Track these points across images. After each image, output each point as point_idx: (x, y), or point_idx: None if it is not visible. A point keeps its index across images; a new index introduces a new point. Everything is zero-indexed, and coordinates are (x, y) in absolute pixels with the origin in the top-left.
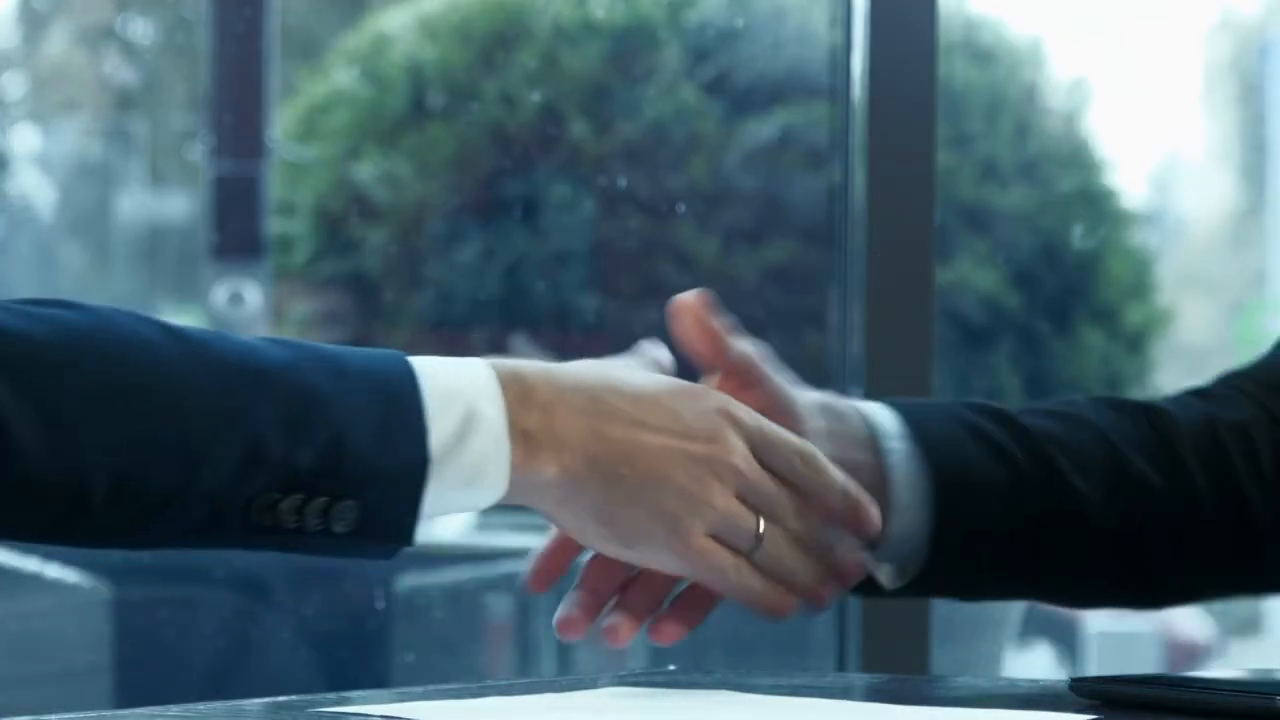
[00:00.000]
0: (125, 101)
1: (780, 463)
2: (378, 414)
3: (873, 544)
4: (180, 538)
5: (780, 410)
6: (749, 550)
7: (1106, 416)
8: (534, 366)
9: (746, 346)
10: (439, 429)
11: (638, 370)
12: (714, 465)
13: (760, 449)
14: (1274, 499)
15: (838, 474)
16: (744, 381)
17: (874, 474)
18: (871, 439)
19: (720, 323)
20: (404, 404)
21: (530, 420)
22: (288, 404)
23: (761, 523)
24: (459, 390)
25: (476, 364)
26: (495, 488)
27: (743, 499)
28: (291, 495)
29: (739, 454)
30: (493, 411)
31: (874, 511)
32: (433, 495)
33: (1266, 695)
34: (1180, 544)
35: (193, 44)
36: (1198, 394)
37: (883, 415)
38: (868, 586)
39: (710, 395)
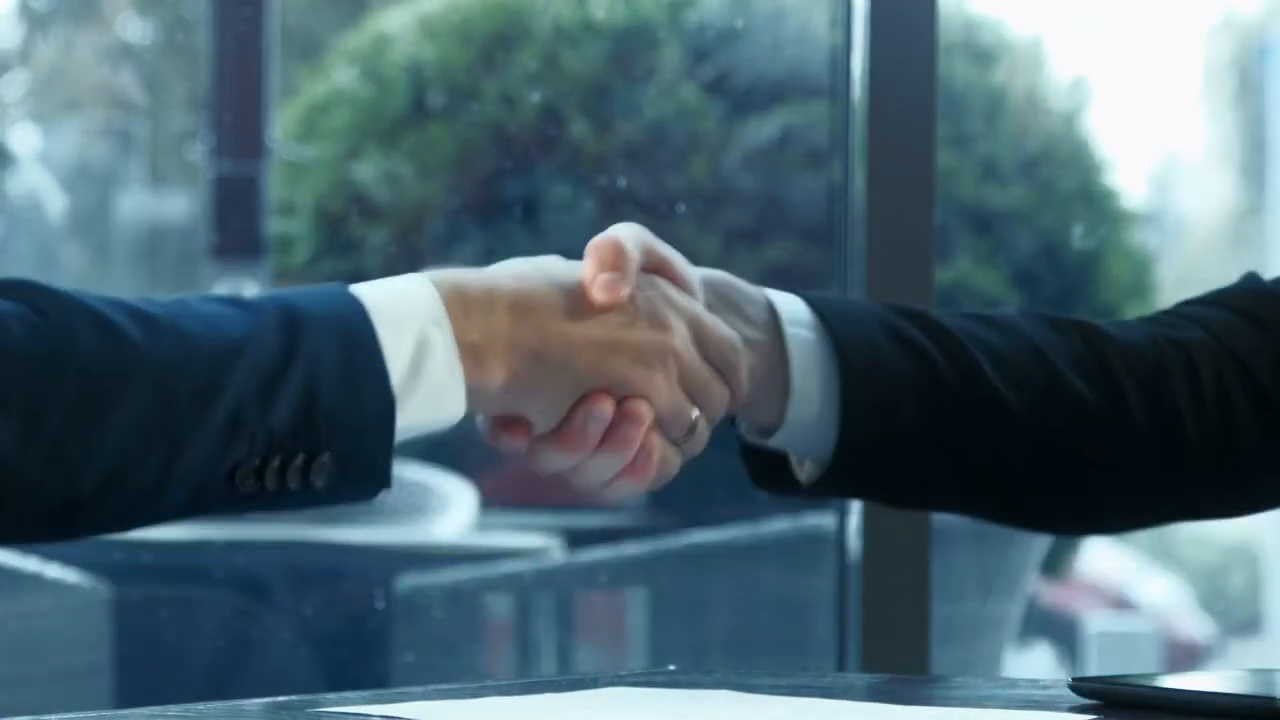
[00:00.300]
0: (125, 101)
1: (713, 352)
2: (340, 362)
3: (772, 429)
4: (167, 518)
5: (674, 278)
6: (681, 439)
7: (1040, 329)
8: (471, 275)
9: (624, 234)
10: (396, 364)
11: (572, 266)
12: (659, 353)
13: (698, 337)
14: (1209, 422)
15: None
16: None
17: (770, 355)
18: (773, 322)
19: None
20: (363, 346)
21: (475, 332)
22: (259, 372)
23: (695, 412)
24: (407, 317)
25: (418, 283)
26: (454, 408)
27: (681, 386)
28: (272, 459)
29: (681, 340)
30: (441, 333)
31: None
32: (399, 429)
33: (1266, 696)
34: (1111, 464)
35: (193, 44)
36: (1146, 319)
37: (792, 303)
38: (784, 481)
39: (652, 282)
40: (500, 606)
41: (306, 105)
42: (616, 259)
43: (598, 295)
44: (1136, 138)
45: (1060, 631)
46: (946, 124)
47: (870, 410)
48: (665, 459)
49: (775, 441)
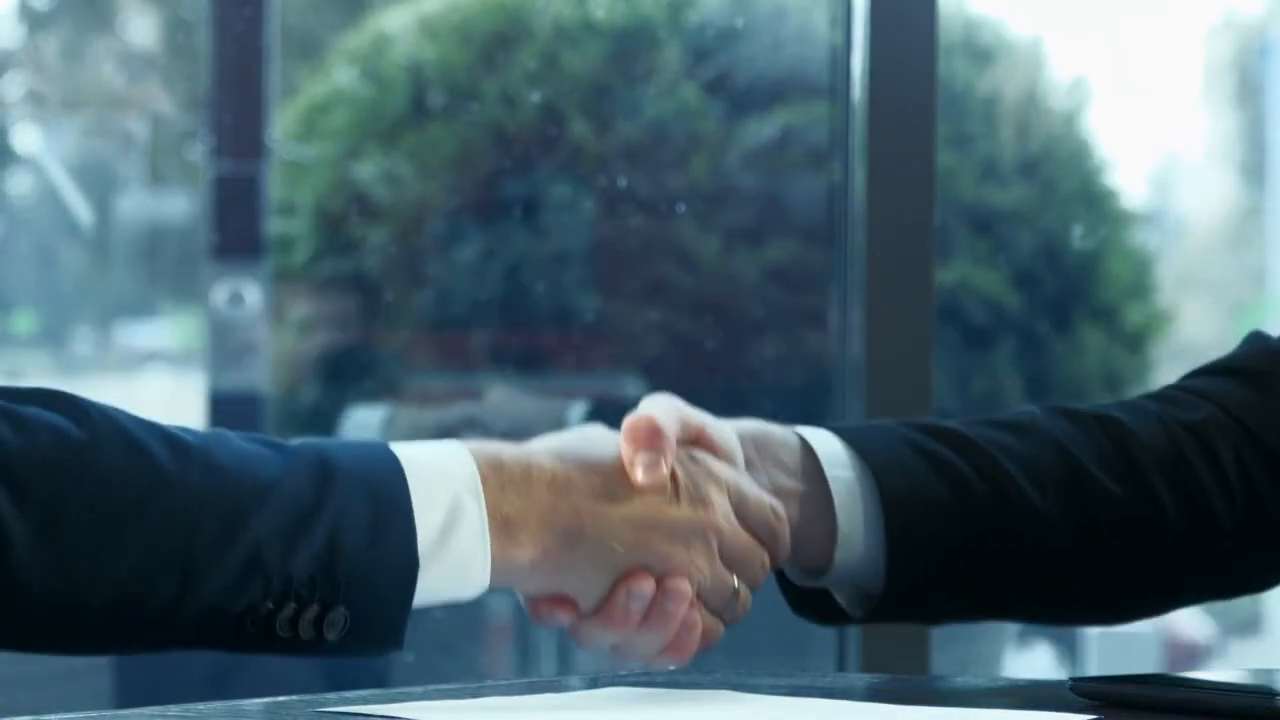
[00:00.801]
0: (125, 101)
1: (754, 519)
2: (369, 518)
3: (821, 571)
4: (172, 645)
5: (711, 448)
6: (722, 609)
7: (1062, 427)
8: (510, 450)
9: (658, 413)
10: (425, 527)
11: (611, 439)
12: (700, 530)
13: (737, 507)
14: (1236, 499)
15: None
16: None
17: (815, 503)
18: (813, 467)
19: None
20: (394, 506)
21: (509, 505)
22: (284, 515)
23: (735, 580)
24: (442, 483)
25: (456, 451)
26: (479, 580)
27: (721, 559)
28: (287, 605)
29: (722, 514)
30: (474, 504)
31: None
32: (419, 594)
33: (1266, 695)
34: (1145, 553)
35: (193, 44)
36: (1153, 397)
37: (827, 443)
38: (834, 613)
39: (691, 455)
40: (500, 606)
41: (306, 105)
42: (653, 438)
43: (638, 477)
44: (1136, 138)
45: (1060, 631)
46: (946, 124)
47: (916, 542)
48: (708, 630)
49: (824, 581)
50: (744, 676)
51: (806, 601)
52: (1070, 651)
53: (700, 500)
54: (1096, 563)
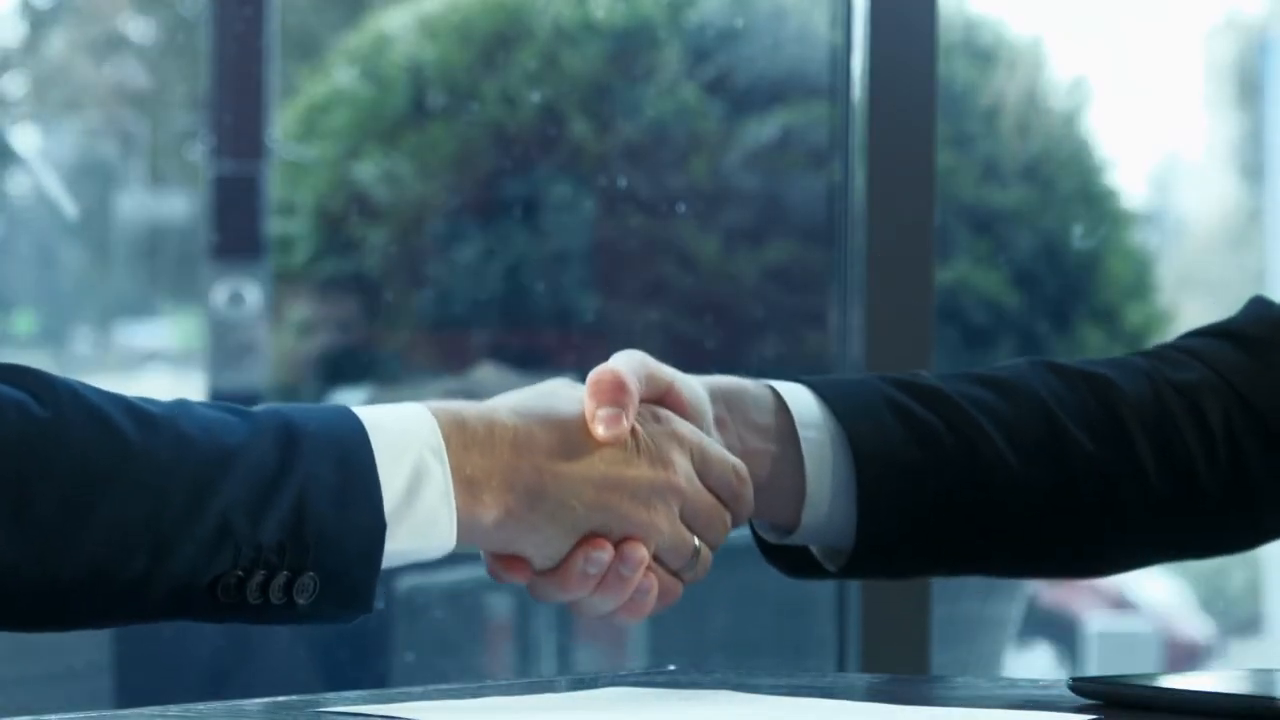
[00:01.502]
0: (125, 102)
1: (717, 481)
2: (335, 481)
3: (789, 529)
4: (146, 617)
5: (679, 406)
6: (682, 570)
7: (1046, 382)
8: (472, 409)
9: (623, 366)
10: (391, 489)
11: (575, 395)
12: (660, 490)
13: (700, 467)
14: (1220, 462)
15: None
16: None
17: (785, 463)
18: (785, 426)
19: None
20: (359, 469)
21: (472, 465)
22: (251, 482)
23: (696, 541)
24: (406, 445)
25: (419, 412)
26: (445, 540)
27: (683, 519)
28: (257, 572)
29: (683, 475)
30: (438, 463)
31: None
32: (386, 556)
33: (1266, 695)
34: (1122, 512)
35: (193, 44)
36: (1147, 354)
37: (801, 399)
38: (808, 566)
39: (655, 414)
40: (500, 606)
41: (306, 105)
42: (616, 392)
43: (599, 432)
44: (1136, 138)
45: (1060, 631)
46: (946, 124)
47: (887, 501)
48: (666, 590)
49: (792, 540)
50: (744, 676)
51: (780, 554)
52: (1070, 651)
53: (661, 460)
54: (1073, 520)
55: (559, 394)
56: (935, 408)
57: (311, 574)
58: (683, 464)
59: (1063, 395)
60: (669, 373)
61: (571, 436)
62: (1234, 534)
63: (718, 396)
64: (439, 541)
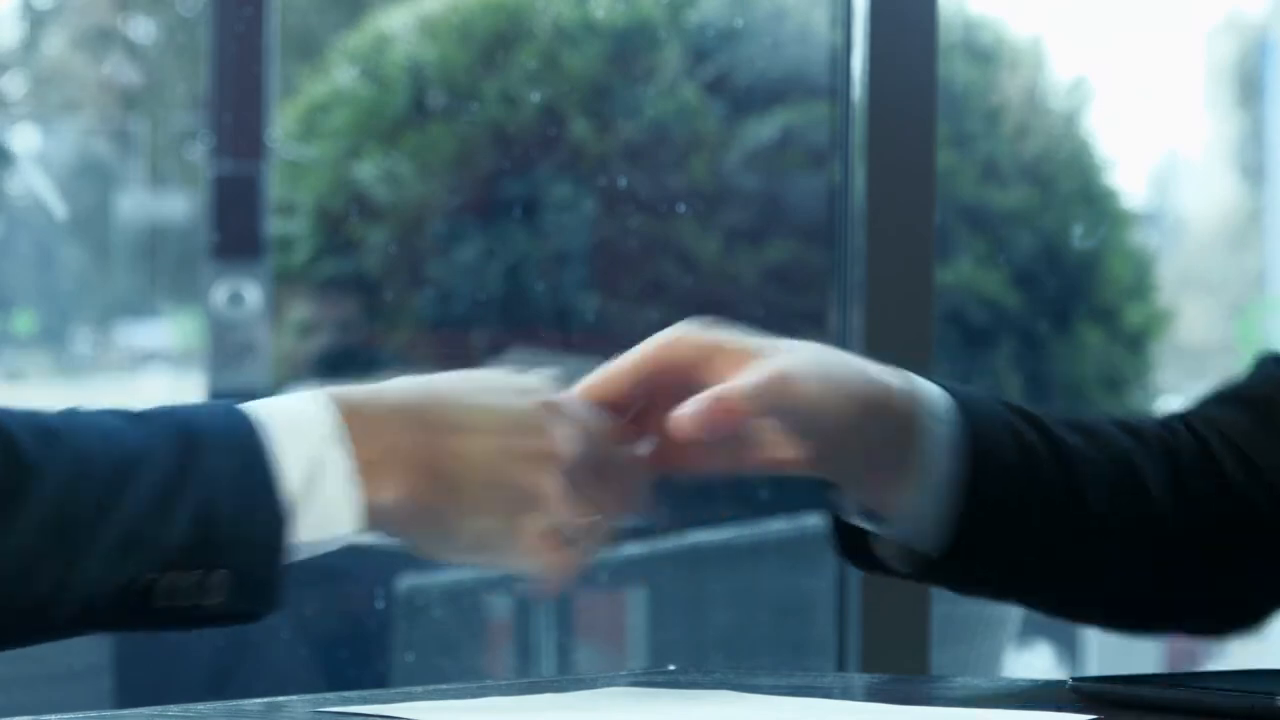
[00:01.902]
0: (125, 101)
1: (603, 449)
2: (235, 478)
3: (882, 518)
4: (55, 634)
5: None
6: (581, 538)
7: (1126, 439)
8: (363, 392)
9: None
10: (290, 481)
11: (463, 376)
12: (544, 459)
13: (594, 448)
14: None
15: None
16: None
17: (906, 450)
18: (917, 418)
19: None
20: (258, 464)
21: (368, 449)
22: (153, 487)
23: (595, 514)
24: (303, 434)
25: (316, 399)
26: (347, 526)
27: (577, 489)
28: (165, 577)
29: (567, 443)
30: (335, 450)
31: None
32: (291, 548)
33: (1266, 695)
34: (1202, 568)
35: (193, 44)
36: (1164, 428)
37: (936, 396)
38: (873, 563)
39: (535, 387)
40: (500, 606)
41: (306, 105)
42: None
43: (680, 418)
44: (1136, 138)
45: (1060, 631)
46: (946, 124)
47: (994, 516)
48: (565, 561)
49: (881, 528)
50: (744, 676)
51: (852, 548)
52: (1070, 651)
53: (542, 431)
54: (1140, 568)
55: (449, 375)
56: (1046, 440)
57: (221, 573)
58: (566, 433)
59: (1139, 449)
60: (728, 341)
61: (468, 414)
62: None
63: (856, 400)
64: (343, 528)
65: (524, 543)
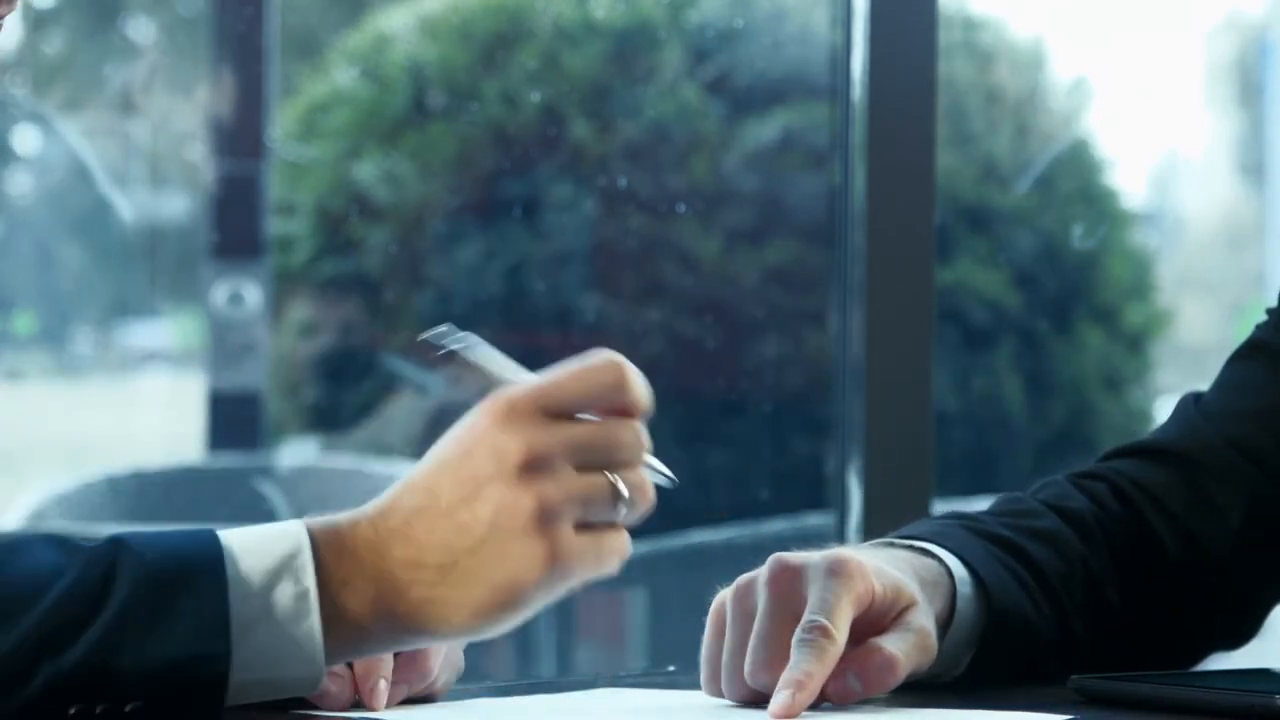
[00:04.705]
0: (125, 101)
1: (575, 402)
2: (154, 610)
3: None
4: None
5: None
6: (616, 513)
7: (1078, 543)
8: (342, 522)
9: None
10: (243, 611)
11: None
12: (509, 475)
13: (549, 409)
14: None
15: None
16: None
17: (945, 617)
18: (950, 585)
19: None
20: (197, 595)
21: (338, 583)
22: (60, 613)
23: (609, 475)
24: (268, 565)
25: (288, 530)
26: (314, 665)
27: (578, 468)
28: (69, 705)
29: (523, 443)
30: (302, 584)
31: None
32: (254, 686)
33: (1266, 694)
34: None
35: (193, 44)
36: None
37: (954, 561)
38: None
39: (476, 416)
40: None
41: (306, 105)
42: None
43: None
44: (1136, 138)
45: None
46: (946, 124)
47: (1004, 658)
48: (615, 543)
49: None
50: None
51: None
52: None
53: (494, 456)
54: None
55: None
56: (1031, 572)
57: (133, 704)
58: (519, 436)
59: (1093, 553)
60: (876, 588)
61: (426, 492)
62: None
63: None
64: (308, 667)
65: (552, 556)
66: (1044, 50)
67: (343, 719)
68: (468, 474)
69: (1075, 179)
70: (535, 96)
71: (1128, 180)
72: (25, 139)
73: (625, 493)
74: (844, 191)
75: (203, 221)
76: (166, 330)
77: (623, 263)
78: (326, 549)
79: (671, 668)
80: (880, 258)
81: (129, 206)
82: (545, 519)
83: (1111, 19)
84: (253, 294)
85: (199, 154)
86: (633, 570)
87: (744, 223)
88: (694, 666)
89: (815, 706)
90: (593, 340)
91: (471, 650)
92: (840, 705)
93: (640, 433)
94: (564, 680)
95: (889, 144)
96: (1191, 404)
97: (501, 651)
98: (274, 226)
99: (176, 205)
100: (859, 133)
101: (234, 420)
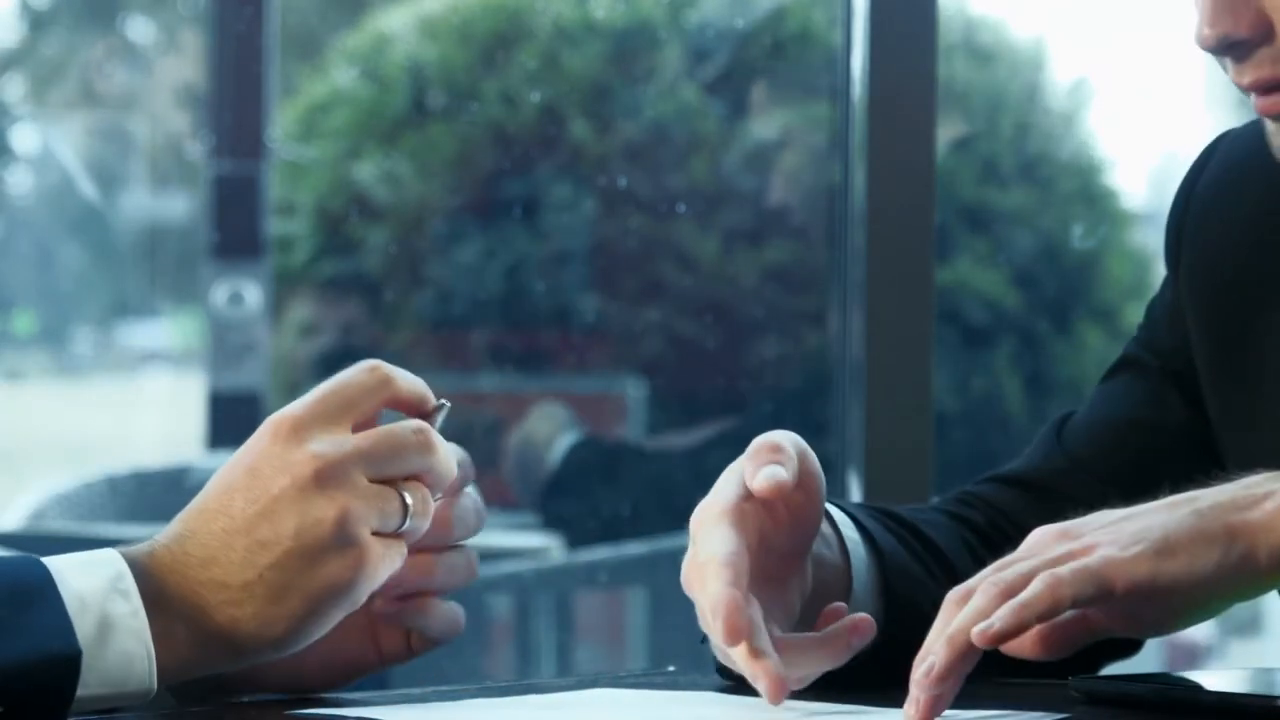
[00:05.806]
0: (125, 101)
1: (346, 409)
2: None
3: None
4: None
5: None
6: (402, 524)
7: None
8: (158, 547)
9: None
10: (82, 624)
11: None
12: (306, 487)
13: (327, 421)
14: None
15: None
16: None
17: (840, 575)
18: (840, 542)
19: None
20: (34, 609)
21: (163, 607)
22: None
23: (398, 489)
24: (90, 591)
25: (105, 557)
26: (143, 682)
27: (373, 480)
28: None
29: (312, 456)
30: (127, 606)
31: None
32: (79, 697)
33: (1266, 695)
34: None
35: (193, 44)
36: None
37: (843, 518)
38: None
39: (255, 438)
40: (500, 606)
41: (306, 105)
42: (773, 453)
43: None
44: (1136, 138)
45: None
46: (947, 124)
47: (909, 611)
48: (392, 548)
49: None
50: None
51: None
52: None
53: (286, 465)
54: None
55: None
56: (921, 543)
57: None
58: (310, 447)
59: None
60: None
61: (226, 511)
62: None
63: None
64: (137, 685)
65: (358, 557)
66: (1044, 50)
67: (343, 718)
68: (260, 492)
69: (1075, 179)
70: (535, 96)
71: (1128, 180)
72: (25, 139)
73: (410, 503)
74: (844, 191)
75: (203, 221)
76: (166, 330)
77: (622, 263)
78: (138, 575)
79: (671, 668)
80: (880, 258)
81: (126, 207)
82: (349, 525)
83: (1111, 19)
84: (253, 294)
85: (199, 154)
86: (633, 570)
87: (743, 223)
88: (694, 667)
89: (821, 699)
90: (593, 340)
91: (471, 651)
92: (837, 704)
93: (424, 432)
94: (564, 680)
95: (889, 144)
96: (1054, 427)
97: (501, 652)
98: (274, 226)
99: (176, 205)
100: (859, 133)
101: (234, 420)
